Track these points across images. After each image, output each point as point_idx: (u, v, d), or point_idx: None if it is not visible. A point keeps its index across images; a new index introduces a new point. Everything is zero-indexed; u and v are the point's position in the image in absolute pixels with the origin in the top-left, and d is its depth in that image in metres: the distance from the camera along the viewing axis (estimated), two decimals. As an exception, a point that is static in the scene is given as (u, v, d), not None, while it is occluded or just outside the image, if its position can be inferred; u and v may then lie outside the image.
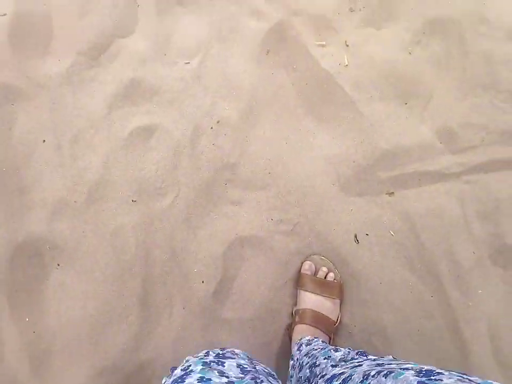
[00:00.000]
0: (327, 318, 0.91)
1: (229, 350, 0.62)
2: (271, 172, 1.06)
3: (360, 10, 1.18)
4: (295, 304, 0.98)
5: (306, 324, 0.90)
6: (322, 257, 0.99)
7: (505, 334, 0.94)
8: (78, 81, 1.12)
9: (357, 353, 0.71)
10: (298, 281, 0.98)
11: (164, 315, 0.98)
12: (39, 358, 0.95)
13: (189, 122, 1.10)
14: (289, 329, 0.96)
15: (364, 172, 1.06)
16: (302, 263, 0.99)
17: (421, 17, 1.17)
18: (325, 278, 0.97)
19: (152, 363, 0.95)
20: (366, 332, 0.96)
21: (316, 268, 0.98)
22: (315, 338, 0.84)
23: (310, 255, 1.00)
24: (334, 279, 0.96)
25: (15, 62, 1.13)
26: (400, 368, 0.45)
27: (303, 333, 0.89)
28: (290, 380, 0.78)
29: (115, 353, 0.95)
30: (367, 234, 1.01)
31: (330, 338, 0.91)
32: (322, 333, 0.90)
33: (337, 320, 0.94)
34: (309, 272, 0.97)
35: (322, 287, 0.94)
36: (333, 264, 0.99)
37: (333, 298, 0.94)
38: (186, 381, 0.45)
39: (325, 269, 0.97)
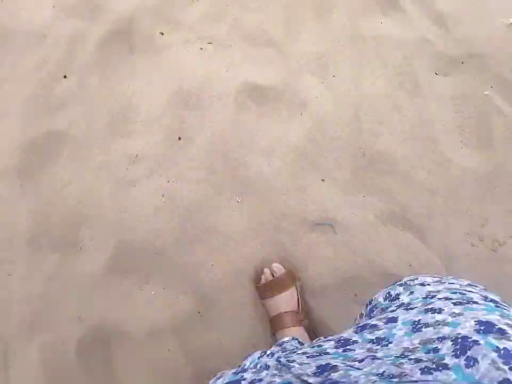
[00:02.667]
0: (293, 312, 0.93)
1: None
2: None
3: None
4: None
5: (282, 328, 0.91)
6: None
7: None
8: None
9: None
10: (258, 294, 0.99)
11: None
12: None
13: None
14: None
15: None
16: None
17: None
18: (272, 275, 0.98)
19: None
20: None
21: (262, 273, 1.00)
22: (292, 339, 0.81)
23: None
24: (279, 275, 0.97)
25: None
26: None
27: (285, 336, 0.89)
28: None
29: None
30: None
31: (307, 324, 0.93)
32: (300, 326, 0.92)
33: (299, 306, 0.95)
34: (258, 282, 0.99)
35: (274, 288, 0.96)
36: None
37: (288, 289, 0.95)
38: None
39: (266, 270, 0.99)
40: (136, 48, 1.11)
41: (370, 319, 0.55)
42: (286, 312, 0.92)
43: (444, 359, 0.39)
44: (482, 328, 0.41)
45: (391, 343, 0.45)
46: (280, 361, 0.49)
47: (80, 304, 0.97)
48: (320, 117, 1.04)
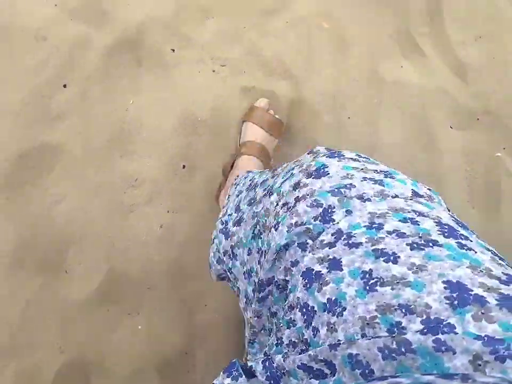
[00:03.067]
0: (269, 155, 0.94)
1: None
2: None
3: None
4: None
5: (253, 156, 0.91)
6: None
7: None
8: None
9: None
10: (248, 113, 0.98)
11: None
12: None
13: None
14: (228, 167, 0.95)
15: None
16: (257, 99, 1.00)
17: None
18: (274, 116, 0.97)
19: None
20: None
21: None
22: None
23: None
24: (281, 120, 0.98)
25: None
26: None
27: (247, 164, 0.89)
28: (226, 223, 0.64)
29: None
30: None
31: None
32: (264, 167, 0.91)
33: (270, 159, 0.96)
34: (265, 108, 0.98)
35: (271, 125, 0.95)
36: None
37: (275, 138, 0.96)
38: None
39: (271, 111, 0.98)
40: (144, 62, 1.04)
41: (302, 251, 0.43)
42: (264, 147, 0.92)
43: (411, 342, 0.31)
44: (455, 296, 0.33)
45: (345, 309, 0.36)
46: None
47: (61, 333, 0.92)
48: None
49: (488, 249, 0.39)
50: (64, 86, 0.99)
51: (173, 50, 1.05)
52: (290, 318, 0.42)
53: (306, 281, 0.41)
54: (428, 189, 0.47)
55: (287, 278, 0.45)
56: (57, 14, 1.02)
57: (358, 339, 0.34)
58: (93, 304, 0.93)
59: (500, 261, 0.37)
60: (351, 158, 0.50)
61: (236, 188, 0.70)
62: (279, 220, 0.47)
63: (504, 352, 0.28)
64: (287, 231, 0.45)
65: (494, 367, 0.28)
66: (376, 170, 0.48)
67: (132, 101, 1.02)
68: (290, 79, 1.06)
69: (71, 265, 0.95)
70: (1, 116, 0.97)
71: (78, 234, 0.96)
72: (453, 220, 0.42)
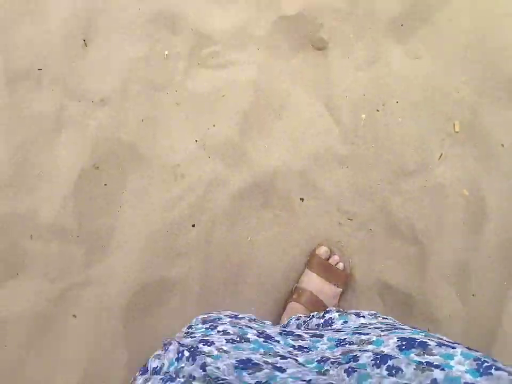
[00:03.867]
0: (324, 305, 0.92)
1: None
2: None
3: None
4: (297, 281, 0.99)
5: (301, 304, 0.91)
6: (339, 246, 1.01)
7: None
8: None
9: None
10: (309, 261, 0.98)
11: None
12: None
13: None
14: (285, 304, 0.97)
15: None
16: (318, 245, 1.00)
17: None
18: (335, 265, 0.97)
19: None
20: None
21: (329, 254, 0.99)
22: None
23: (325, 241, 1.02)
24: (343, 270, 0.97)
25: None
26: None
27: (296, 311, 0.90)
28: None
29: None
30: None
31: None
32: None
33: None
34: (322, 256, 0.97)
35: (329, 272, 0.95)
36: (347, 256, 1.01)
37: (336, 286, 0.95)
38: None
39: (336, 257, 0.98)
40: (271, 205, 1.04)
41: (297, 329, 0.56)
42: (317, 297, 0.92)
43: (366, 368, 0.38)
44: (404, 343, 0.40)
45: (312, 351, 0.45)
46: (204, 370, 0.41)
47: None
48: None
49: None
50: (193, 225, 1.02)
51: (302, 199, 1.04)
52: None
53: (283, 332, 0.52)
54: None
55: None
56: (197, 150, 1.03)
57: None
58: None
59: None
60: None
61: None
62: None
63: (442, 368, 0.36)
64: None
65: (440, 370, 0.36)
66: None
67: (249, 238, 1.03)
68: (417, 245, 1.02)
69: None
70: (129, 248, 1.01)
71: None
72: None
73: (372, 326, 0.50)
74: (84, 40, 1.05)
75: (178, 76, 1.06)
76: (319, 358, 0.42)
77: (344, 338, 0.46)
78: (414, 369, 0.36)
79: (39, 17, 1.06)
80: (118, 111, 1.04)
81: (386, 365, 0.37)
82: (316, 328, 0.60)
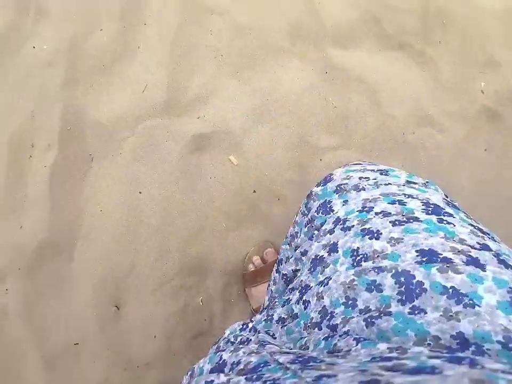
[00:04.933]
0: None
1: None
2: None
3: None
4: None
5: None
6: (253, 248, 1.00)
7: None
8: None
9: None
10: (243, 281, 0.98)
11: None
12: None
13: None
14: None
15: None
16: (244, 264, 1.00)
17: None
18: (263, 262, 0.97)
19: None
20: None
21: (252, 260, 0.99)
22: None
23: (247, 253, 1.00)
24: (273, 255, 0.97)
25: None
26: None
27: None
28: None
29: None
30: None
31: None
32: None
33: None
34: (250, 269, 0.97)
35: (264, 274, 0.94)
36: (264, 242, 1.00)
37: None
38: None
39: (256, 258, 0.98)
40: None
41: (309, 239, 0.53)
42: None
43: (390, 305, 0.37)
44: (424, 259, 0.38)
45: (330, 279, 0.44)
46: (258, 337, 0.47)
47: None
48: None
49: (472, 225, 0.43)
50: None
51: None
52: (288, 298, 0.50)
53: (311, 265, 0.49)
54: (426, 181, 0.53)
55: (298, 268, 0.55)
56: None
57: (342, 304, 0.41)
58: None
59: (481, 234, 0.41)
60: (354, 163, 0.58)
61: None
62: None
63: (469, 301, 0.33)
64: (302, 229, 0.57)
65: (467, 313, 0.33)
66: (373, 170, 0.55)
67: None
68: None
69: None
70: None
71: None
72: (444, 201, 0.47)
73: (379, 210, 0.46)
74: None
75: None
76: (342, 301, 0.41)
77: (357, 250, 0.43)
78: (441, 315, 0.34)
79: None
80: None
81: (411, 305, 0.35)
82: (323, 226, 0.53)
